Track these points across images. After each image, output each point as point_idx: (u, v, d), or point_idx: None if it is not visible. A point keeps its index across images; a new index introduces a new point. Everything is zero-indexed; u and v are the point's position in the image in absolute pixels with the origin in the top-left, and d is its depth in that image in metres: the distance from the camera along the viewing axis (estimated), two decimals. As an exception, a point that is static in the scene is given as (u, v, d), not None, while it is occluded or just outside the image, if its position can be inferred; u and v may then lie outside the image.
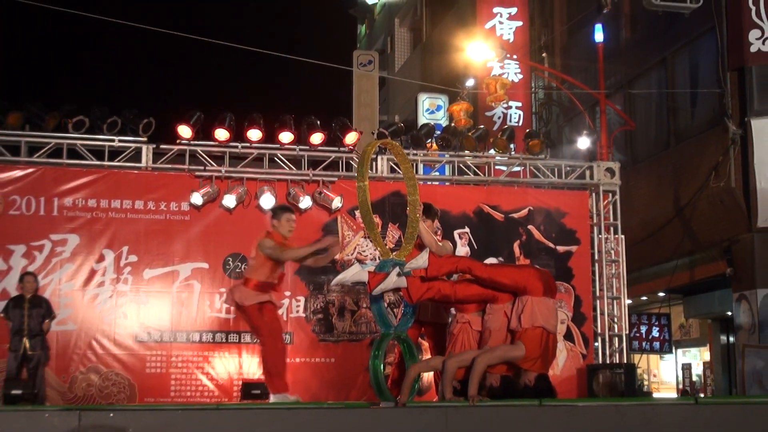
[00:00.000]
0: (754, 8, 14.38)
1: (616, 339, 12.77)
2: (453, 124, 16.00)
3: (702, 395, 16.22)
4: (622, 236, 12.97)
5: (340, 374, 11.51)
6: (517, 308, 7.21)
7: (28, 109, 11.51)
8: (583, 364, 12.29)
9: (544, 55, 21.91)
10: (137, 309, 11.38)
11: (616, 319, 12.77)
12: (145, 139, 11.70)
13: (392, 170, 12.27)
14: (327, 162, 12.24)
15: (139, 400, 11.01)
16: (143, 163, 11.72)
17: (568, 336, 12.36)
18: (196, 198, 11.54)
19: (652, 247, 16.12)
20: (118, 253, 11.39)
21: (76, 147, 11.59)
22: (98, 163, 11.64)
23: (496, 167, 13.33)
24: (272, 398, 8.62)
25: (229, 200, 11.65)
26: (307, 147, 12.12)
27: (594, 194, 13.00)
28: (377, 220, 10.73)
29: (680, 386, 17.72)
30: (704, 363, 17.60)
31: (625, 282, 12.93)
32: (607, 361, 12.49)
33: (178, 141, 11.85)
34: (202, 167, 11.81)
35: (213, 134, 11.85)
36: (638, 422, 6.50)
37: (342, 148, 12.21)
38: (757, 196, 14.18)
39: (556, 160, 13.40)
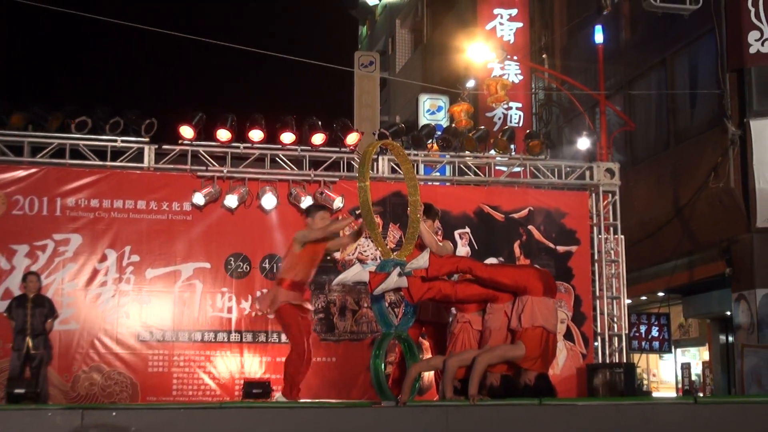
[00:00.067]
0: (753, 10, 14.41)
1: (616, 338, 12.81)
2: (453, 125, 16.03)
3: (701, 395, 16.24)
4: (622, 236, 13.02)
5: (341, 373, 11.55)
6: (517, 308, 7.24)
7: (31, 110, 11.56)
8: (582, 364, 12.33)
9: (544, 56, 21.93)
10: (139, 308, 11.43)
11: (615, 319, 12.82)
12: (147, 139, 11.75)
13: (393, 171, 12.31)
14: (328, 162, 12.28)
15: (142, 399, 11.06)
16: (145, 164, 11.78)
17: (568, 335, 12.41)
18: (198, 198, 11.58)
19: (652, 247, 16.15)
20: (121, 253, 11.44)
21: (78, 147, 11.64)
22: (101, 163, 11.69)
23: (497, 168, 13.37)
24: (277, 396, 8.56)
25: (231, 200, 11.70)
26: (309, 147, 12.17)
27: (594, 194, 13.04)
28: (378, 220, 10.77)
29: (680, 386, 17.73)
30: (703, 362, 17.62)
31: (625, 282, 12.98)
32: (607, 361, 12.53)
33: (180, 141, 11.90)
34: (204, 167, 11.85)
35: (215, 135, 11.90)
36: (638, 421, 6.52)
37: (343, 149, 12.25)
38: (756, 196, 14.21)
39: (556, 161, 13.45)
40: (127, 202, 11.56)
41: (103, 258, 11.39)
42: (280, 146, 12.12)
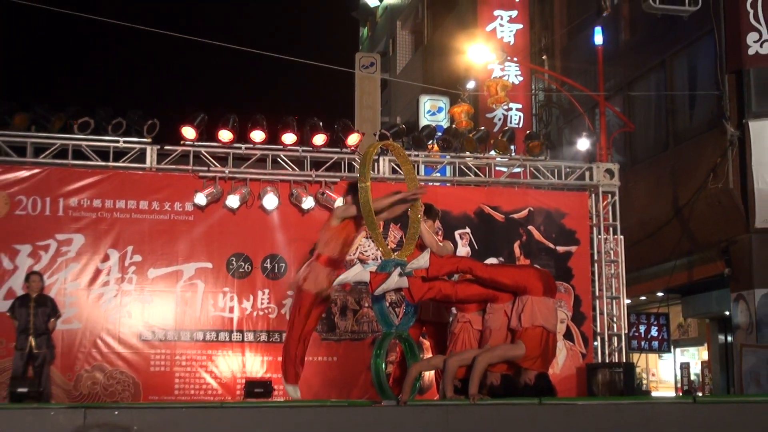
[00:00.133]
0: (752, 11, 14.44)
1: (615, 338, 12.86)
2: (454, 126, 16.09)
3: (700, 394, 16.27)
4: (621, 237, 13.06)
5: (342, 373, 11.59)
6: (517, 308, 7.27)
7: (34, 111, 11.62)
8: (582, 363, 12.37)
9: (544, 57, 21.97)
10: (141, 308, 11.49)
11: (615, 319, 12.86)
12: (149, 140, 11.81)
13: (394, 171, 12.36)
14: (329, 163, 12.34)
15: (144, 398, 11.11)
16: (148, 164, 11.83)
17: (568, 335, 12.45)
18: (200, 198, 11.64)
19: (651, 248, 16.18)
20: (123, 253, 11.50)
21: (81, 148, 11.70)
22: (103, 163, 11.75)
23: (497, 168, 13.42)
24: (288, 388, 8.50)
25: (233, 201, 11.75)
26: (310, 148, 12.22)
27: (593, 195, 13.09)
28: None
29: (679, 385, 17.76)
30: (702, 362, 17.64)
31: (624, 282, 13.02)
32: (607, 360, 12.57)
33: (182, 142, 11.96)
34: (205, 168, 11.91)
35: (216, 135, 11.95)
36: (637, 421, 6.50)
37: (344, 150, 12.30)
38: (755, 197, 14.25)
39: (556, 162, 13.50)
40: (129, 203, 11.61)
41: (106, 258, 11.45)
42: (281, 147, 12.17)
